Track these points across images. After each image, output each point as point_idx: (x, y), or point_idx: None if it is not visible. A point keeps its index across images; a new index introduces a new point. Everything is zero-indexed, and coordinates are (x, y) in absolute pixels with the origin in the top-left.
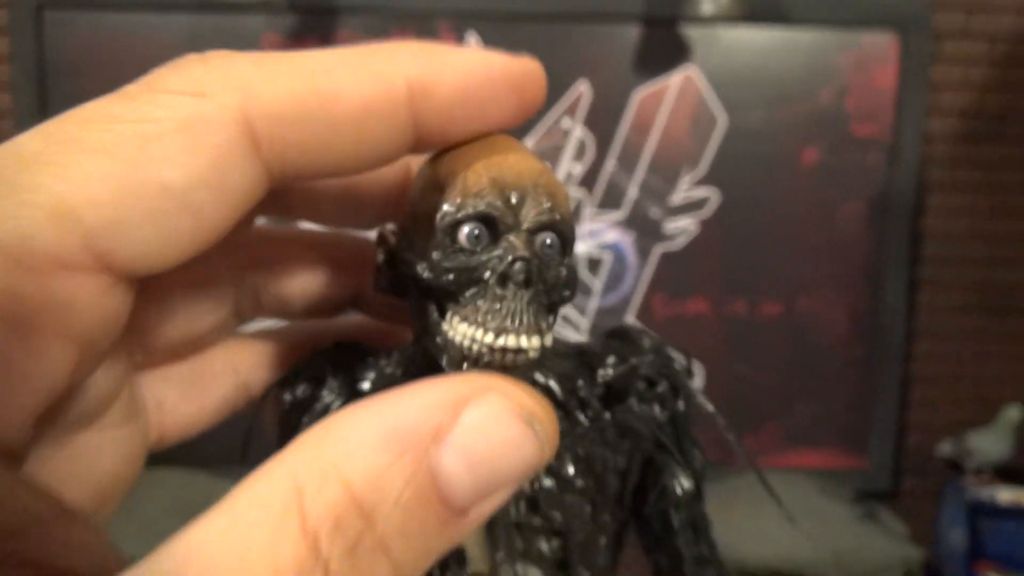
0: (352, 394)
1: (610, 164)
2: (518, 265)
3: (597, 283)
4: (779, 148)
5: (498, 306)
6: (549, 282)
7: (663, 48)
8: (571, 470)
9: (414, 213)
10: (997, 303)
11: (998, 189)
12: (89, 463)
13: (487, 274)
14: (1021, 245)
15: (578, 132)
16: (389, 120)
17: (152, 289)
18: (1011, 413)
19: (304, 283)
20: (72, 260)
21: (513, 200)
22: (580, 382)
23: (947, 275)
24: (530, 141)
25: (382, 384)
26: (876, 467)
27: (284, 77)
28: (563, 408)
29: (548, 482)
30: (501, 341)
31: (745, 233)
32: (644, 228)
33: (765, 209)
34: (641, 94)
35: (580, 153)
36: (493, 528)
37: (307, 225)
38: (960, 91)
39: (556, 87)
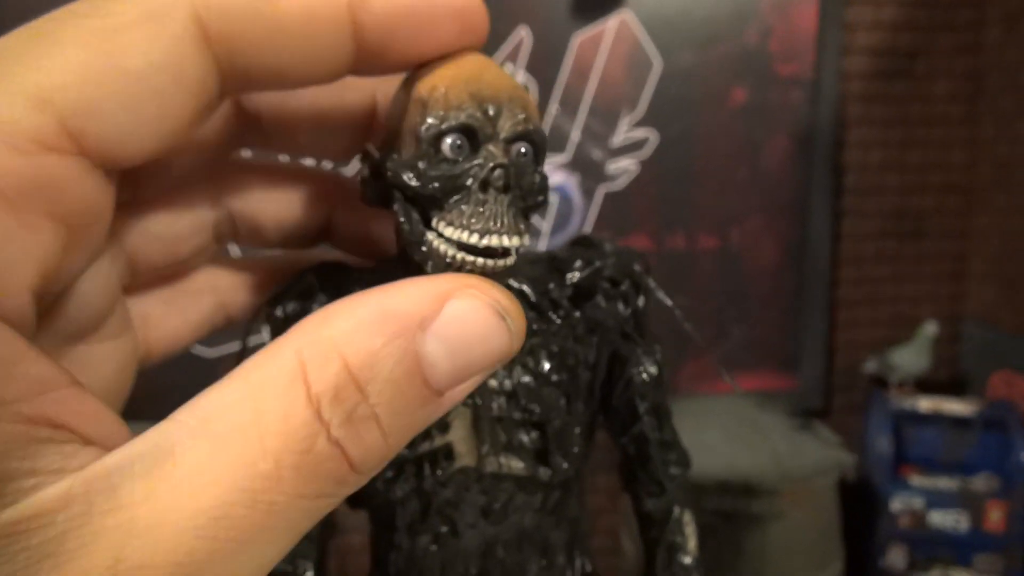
0: None
1: (553, 108)
2: (498, 172)
3: (545, 225)
4: (710, 88)
5: (481, 209)
6: (525, 187)
7: None
8: (547, 366)
9: (396, 129)
10: (910, 228)
11: (908, 122)
12: (89, 372)
13: (469, 181)
14: (929, 174)
15: (520, 78)
16: (330, 25)
17: (139, 210)
18: (928, 329)
19: (278, 211)
20: (51, 141)
21: (491, 112)
22: (551, 285)
23: (866, 204)
24: None
25: None
26: (808, 387)
27: None
28: (536, 309)
29: (526, 378)
30: (485, 241)
31: (681, 171)
32: (588, 170)
33: (699, 147)
34: (580, 38)
35: None
36: (478, 424)
37: (284, 159)
38: (873, 31)
39: (497, 33)
